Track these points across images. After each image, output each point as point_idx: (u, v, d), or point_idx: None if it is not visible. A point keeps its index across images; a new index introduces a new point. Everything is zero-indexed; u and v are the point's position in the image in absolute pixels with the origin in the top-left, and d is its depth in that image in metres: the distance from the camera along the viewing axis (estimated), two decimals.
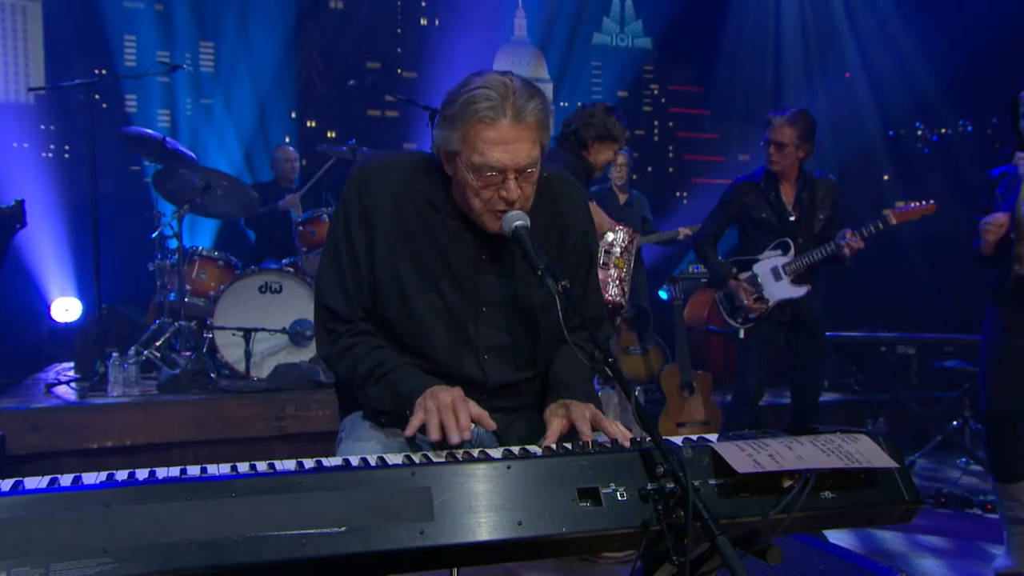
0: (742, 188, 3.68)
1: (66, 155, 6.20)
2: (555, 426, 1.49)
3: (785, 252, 3.60)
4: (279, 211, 5.24)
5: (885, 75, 6.83)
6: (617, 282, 3.24)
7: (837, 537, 3.17)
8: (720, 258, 3.78)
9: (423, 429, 1.43)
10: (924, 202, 3.58)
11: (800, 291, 3.58)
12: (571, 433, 1.50)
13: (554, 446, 1.32)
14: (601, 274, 3.19)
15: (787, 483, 1.22)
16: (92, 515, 1.02)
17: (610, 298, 3.18)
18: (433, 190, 1.61)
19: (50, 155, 6.15)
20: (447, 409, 1.38)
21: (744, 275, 3.65)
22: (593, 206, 3.18)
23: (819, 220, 3.60)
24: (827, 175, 3.73)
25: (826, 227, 3.62)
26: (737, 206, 3.67)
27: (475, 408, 1.43)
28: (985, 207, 2.91)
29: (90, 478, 1.19)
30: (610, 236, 3.25)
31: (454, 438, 1.33)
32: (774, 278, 3.60)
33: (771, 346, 3.68)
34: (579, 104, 3.54)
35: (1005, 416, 2.80)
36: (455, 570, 1.72)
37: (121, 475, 1.18)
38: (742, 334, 3.64)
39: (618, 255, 3.24)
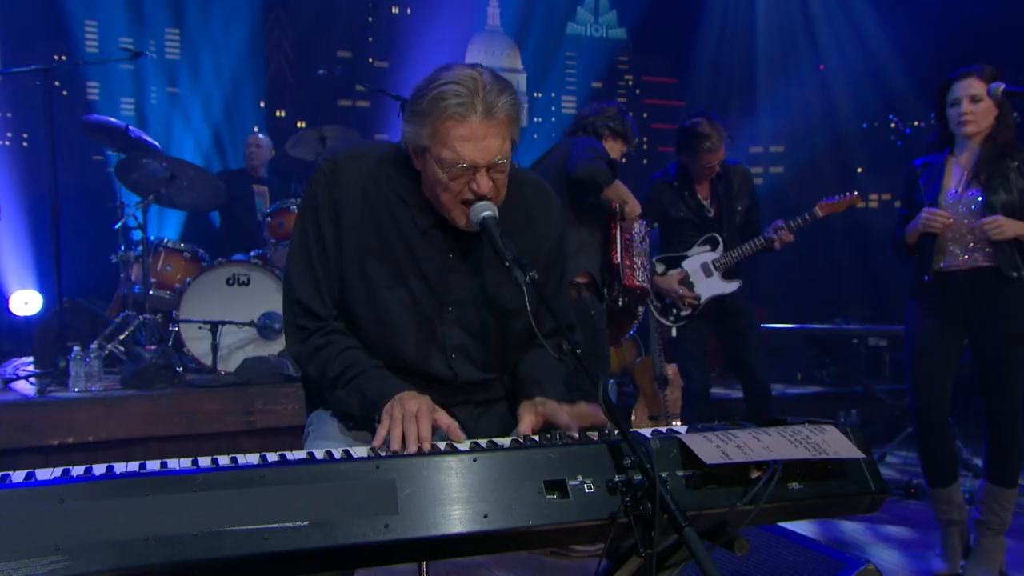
0: (657, 188, 3.71)
1: (24, 143, 6.04)
2: (528, 420, 1.46)
3: (714, 248, 3.64)
4: (251, 206, 5.11)
5: (859, 68, 6.92)
6: (642, 269, 3.28)
7: (802, 527, 3.21)
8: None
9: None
10: (848, 193, 3.64)
11: (732, 286, 3.62)
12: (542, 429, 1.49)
13: (521, 439, 1.31)
14: (627, 260, 3.23)
15: (755, 474, 1.22)
16: (44, 512, 1.00)
17: (639, 284, 3.23)
18: (403, 183, 1.57)
19: (7, 143, 5.98)
20: (411, 418, 1.35)
21: (672, 272, 3.67)
22: (624, 189, 3.20)
23: (738, 212, 3.65)
24: (739, 163, 3.78)
25: (747, 217, 3.66)
26: (655, 206, 3.69)
27: (444, 418, 1.40)
28: (906, 197, 2.89)
29: (44, 474, 1.16)
30: (636, 226, 3.29)
31: (411, 447, 1.31)
32: (704, 274, 3.63)
33: (706, 340, 3.73)
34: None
35: (934, 419, 2.78)
36: (424, 564, 1.71)
37: (77, 471, 1.16)
38: (675, 332, 3.67)
39: (638, 244, 3.29)
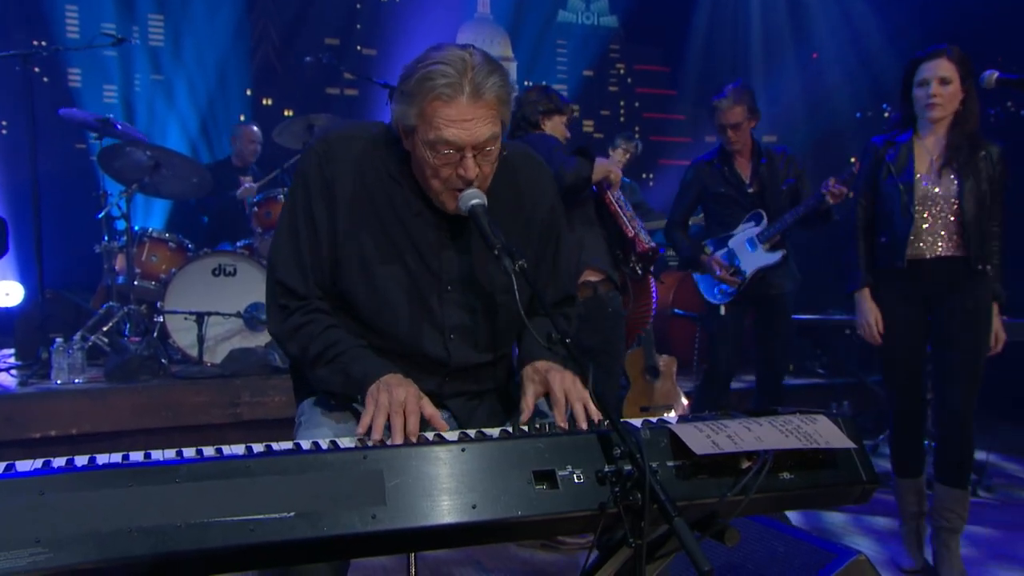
0: (698, 168, 3.71)
1: (3, 131, 5.94)
2: (530, 394, 1.47)
3: (758, 223, 3.62)
4: (237, 200, 5.06)
5: (853, 57, 6.90)
6: (643, 230, 3.28)
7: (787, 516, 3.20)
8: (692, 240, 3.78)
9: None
10: None
11: (775, 256, 3.57)
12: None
13: (510, 428, 1.30)
14: (632, 225, 3.23)
15: (745, 464, 1.21)
16: (25, 504, 0.98)
17: (647, 246, 3.24)
18: (396, 163, 1.56)
19: None
20: (398, 407, 1.33)
21: (719, 252, 3.65)
22: (599, 164, 3.16)
23: (783, 191, 3.61)
24: (785, 148, 3.76)
25: (794, 196, 3.62)
26: (697, 186, 3.69)
27: (428, 407, 1.37)
28: (868, 175, 2.75)
29: (24, 465, 1.15)
30: (617, 191, 3.28)
31: (397, 439, 1.29)
32: (750, 248, 3.60)
33: (743, 326, 3.68)
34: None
35: (909, 407, 2.71)
36: (412, 556, 1.70)
37: (58, 462, 1.15)
38: (723, 311, 3.62)
39: (627, 206, 3.28)
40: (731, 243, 3.65)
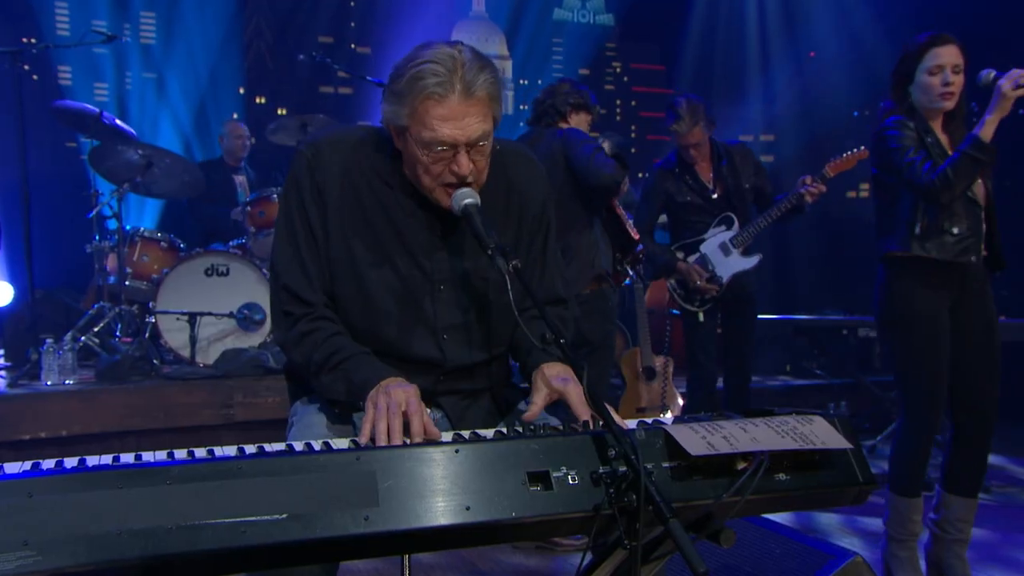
0: (660, 175, 3.67)
1: None
2: (540, 398, 1.45)
3: (729, 227, 3.60)
4: (230, 219, 5.01)
5: (850, 55, 6.91)
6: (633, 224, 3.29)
7: (777, 516, 3.18)
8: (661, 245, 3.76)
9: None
10: (855, 149, 3.51)
11: (752, 261, 3.56)
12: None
13: (504, 429, 1.29)
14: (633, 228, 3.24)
15: (741, 465, 1.21)
16: (13, 506, 0.96)
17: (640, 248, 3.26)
18: (385, 166, 1.56)
19: None
20: (396, 410, 1.32)
21: (692, 258, 3.63)
22: None
23: (746, 189, 3.60)
24: (739, 141, 3.76)
25: (758, 193, 3.63)
26: (661, 194, 3.66)
27: (424, 413, 1.36)
28: (918, 147, 2.42)
29: (12, 467, 1.14)
30: None
31: (395, 440, 1.29)
32: (724, 254, 3.58)
33: (716, 325, 3.68)
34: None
35: (938, 420, 2.48)
36: (407, 558, 1.69)
37: (47, 464, 1.14)
38: (701, 317, 3.60)
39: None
40: (703, 248, 3.62)
